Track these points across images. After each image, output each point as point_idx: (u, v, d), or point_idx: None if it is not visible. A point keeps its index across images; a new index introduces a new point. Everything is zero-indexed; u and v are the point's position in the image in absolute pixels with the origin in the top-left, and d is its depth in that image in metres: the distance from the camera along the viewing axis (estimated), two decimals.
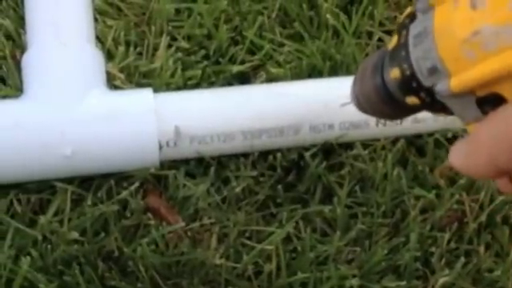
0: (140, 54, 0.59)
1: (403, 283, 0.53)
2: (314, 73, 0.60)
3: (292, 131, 0.55)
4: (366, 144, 0.57)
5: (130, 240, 0.52)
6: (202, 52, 0.60)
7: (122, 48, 0.58)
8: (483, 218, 0.56)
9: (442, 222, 0.56)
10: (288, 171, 0.56)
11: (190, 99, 0.55)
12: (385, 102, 0.35)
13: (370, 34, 0.64)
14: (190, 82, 0.58)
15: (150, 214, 0.53)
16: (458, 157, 0.28)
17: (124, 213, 0.53)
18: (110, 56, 0.58)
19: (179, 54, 0.59)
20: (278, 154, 0.55)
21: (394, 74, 0.32)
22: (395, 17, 0.65)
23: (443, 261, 0.54)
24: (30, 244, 0.50)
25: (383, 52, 0.34)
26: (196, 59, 0.59)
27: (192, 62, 0.59)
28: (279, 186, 0.55)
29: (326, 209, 0.54)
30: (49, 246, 0.50)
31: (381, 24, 0.64)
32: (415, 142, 0.59)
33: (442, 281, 0.53)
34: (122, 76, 0.57)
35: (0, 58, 0.57)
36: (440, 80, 0.29)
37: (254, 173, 0.55)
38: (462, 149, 0.28)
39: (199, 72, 0.58)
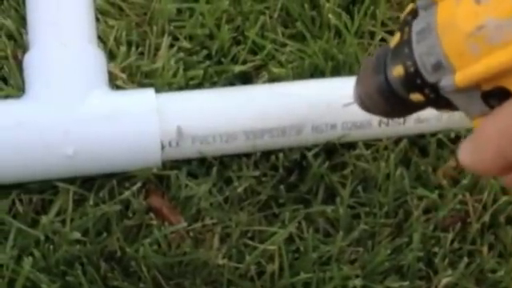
0: (142, 53, 0.59)
1: (406, 283, 0.53)
2: (316, 73, 0.60)
3: (294, 131, 0.54)
4: (368, 144, 0.57)
5: (133, 240, 0.52)
6: (204, 52, 0.60)
7: (123, 48, 0.58)
8: (486, 218, 0.56)
9: (445, 222, 0.56)
10: (290, 171, 0.56)
11: (192, 99, 0.55)
12: (388, 99, 0.35)
13: (372, 34, 0.64)
14: (191, 82, 0.58)
15: (152, 214, 0.53)
16: (466, 154, 0.28)
17: (126, 213, 0.53)
18: (111, 56, 0.58)
19: (181, 54, 0.59)
20: (281, 154, 0.55)
21: (398, 71, 0.32)
22: (397, 17, 0.64)
23: (446, 261, 0.54)
24: (33, 244, 0.50)
25: (385, 50, 0.34)
26: (198, 59, 0.59)
27: (194, 62, 0.59)
28: (281, 186, 0.55)
29: (329, 209, 0.54)
30: (51, 247, 0.50)
31: (383, 24, 0.64)
32: (418, 142, 0.59)
33: (445, 281, 0.53)
34: (123, 76, 0.57)
35: (2, 58, 0.57)
36: (445, 75, 0.29)
37: (257, 173, 0.55)
38: (469, 145, 0.28)
39: (201, 72, 0.58)
